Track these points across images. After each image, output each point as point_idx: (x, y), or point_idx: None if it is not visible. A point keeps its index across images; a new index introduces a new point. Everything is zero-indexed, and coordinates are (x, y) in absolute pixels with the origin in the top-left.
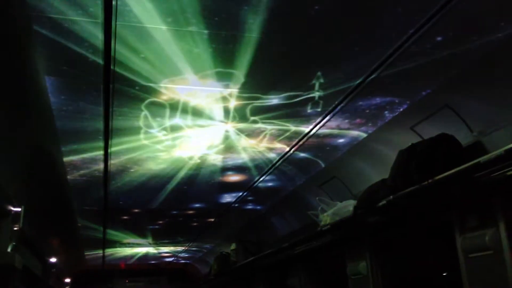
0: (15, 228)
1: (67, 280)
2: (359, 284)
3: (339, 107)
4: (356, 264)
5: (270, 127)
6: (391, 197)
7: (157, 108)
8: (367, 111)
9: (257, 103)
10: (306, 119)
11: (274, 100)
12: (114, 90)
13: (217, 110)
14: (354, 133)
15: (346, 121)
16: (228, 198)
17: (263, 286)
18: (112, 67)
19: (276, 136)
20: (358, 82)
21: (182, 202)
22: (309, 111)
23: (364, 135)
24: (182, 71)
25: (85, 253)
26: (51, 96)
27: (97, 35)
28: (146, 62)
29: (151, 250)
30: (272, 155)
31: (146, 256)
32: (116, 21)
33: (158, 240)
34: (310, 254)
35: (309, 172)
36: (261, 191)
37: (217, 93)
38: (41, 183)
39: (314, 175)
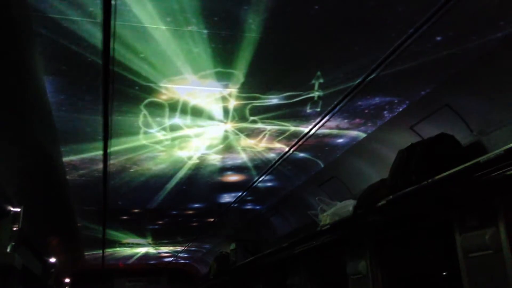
0: (15, 228)
1: (67, 280)
2: (358, 283)
3: (338, 107)
4: (356, 264)
5: (269, 127)
6: (391, 196)
7: (157, 108)
8: (367, 111)
9: (257, 103)
10: (305, 119)
11: (273, 100)
12: (113, 90)
13: (217, 110)
14: (354, 133)
15: (346, 121)
16: (227, 198)
17: (263, 286)
18: (111, 67)
19: (275, 136)
20: (357, 82)
21: (182, 202)
22: (308, 111)
23: (364, 135)
24: (182, 71)
25: (85, 253)
26: (50, 96)
27: (97, 35)
28: (145, 62)
29: (151, 250)
30: (271, 155)
31: (145, 256)
32: (115, 21)
33: (158, 240)
34: (310, 253)
35: (308, 172)
36: (261, 191)
37: (217, 93)
38: (40, 183)
39: (314, 175)
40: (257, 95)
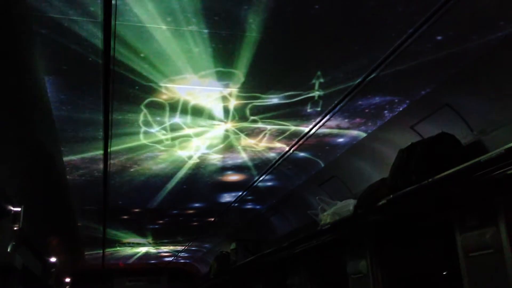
0: (15, 228)
1: (67, 280)
2: (359, 283)
3: (338, 107)
4: (356, 263)
5: (269, 127)
6: (391, 196)
7: (157, 108)
8: (367, 110)
9: (257, 102)
10: (305, 118)
11: (273, 99)
12: (114, 90)
13: (217, 110)
14: (354, 132)
15: (346, 120)
16: (227, 197)
17: (263, 285)
18: (111, 66)
19: (275, 136)
20: (358, 81)
21: (182, 201)
22: (308, 110)
23: (364, 134)
24: (182, 71)
25: (85, 253)
26: (51, 95)
27: (97, 35)
28: (145, 62)
29: (151, 249)
30: (271, 155)
31: (146, 256)
32: (115, 21)
33: (158, 239)
34: (310, 253)
35: (308, 171)
36: (261, 191)
37: (217, 93)
38: (41, 182)
39: (314, 174)
40: (258, 94)
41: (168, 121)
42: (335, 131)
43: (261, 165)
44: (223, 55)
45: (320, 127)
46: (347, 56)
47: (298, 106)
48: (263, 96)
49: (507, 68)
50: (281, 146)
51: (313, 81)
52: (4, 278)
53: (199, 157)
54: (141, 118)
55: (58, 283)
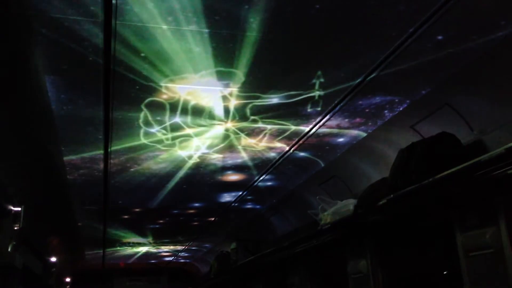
0: (15, 228)
1: (67, 279)
2: (359, 283)
3: (339, 106)
4: (357, 263)
5: (270, 127)
6: (392, 196)
7: (157, 108)
8: (367, 110)
9: (257, 102)
10: (306, 118)
11: (274, 99)
12: (114, 89)
13: (217, 109)
14: (354, 132)
15: (346, 120)
16: (228, 197)
17: (263, 285)
18: (112, 66)
19: (276, 136)
20: (358, 81)
21: (182, 201)
22: (309, 110)
23: (364, 134)
24: (182, 70)
25: (85, 253)
26: (51, 95)
27: (97, 34)
28: (146, 61)
29: (151, 249)
30: (272, 155)
31: (146, 255)
32: (116, 20)
33: (158, 239)
34: (310, 253)
35: (309, 171)
36: (261, 191)
37: (217, 92)
38: (41, 182)
39: (314, 174)
40: (258, 94)
41: (168, 120)
42: (335, 130)
43: (261, 165)
44: (224, 55)
45: (320, 126)
46: (347, 56)
47: (298, 106)
48: (263, 95)
49: (507, 68)
50: (281, 145)
51: (313, 80)
52: (5, 278)
53: (199, 157)
54: (142, 117)
55: (59, 282)
